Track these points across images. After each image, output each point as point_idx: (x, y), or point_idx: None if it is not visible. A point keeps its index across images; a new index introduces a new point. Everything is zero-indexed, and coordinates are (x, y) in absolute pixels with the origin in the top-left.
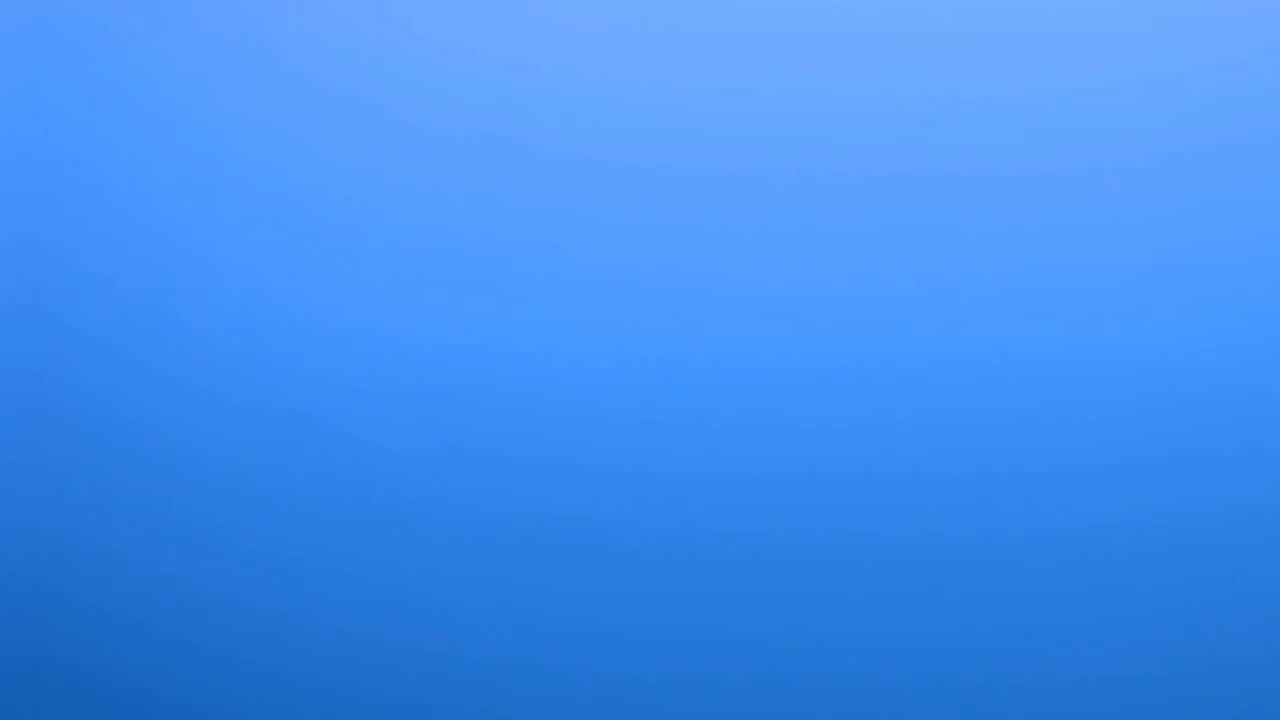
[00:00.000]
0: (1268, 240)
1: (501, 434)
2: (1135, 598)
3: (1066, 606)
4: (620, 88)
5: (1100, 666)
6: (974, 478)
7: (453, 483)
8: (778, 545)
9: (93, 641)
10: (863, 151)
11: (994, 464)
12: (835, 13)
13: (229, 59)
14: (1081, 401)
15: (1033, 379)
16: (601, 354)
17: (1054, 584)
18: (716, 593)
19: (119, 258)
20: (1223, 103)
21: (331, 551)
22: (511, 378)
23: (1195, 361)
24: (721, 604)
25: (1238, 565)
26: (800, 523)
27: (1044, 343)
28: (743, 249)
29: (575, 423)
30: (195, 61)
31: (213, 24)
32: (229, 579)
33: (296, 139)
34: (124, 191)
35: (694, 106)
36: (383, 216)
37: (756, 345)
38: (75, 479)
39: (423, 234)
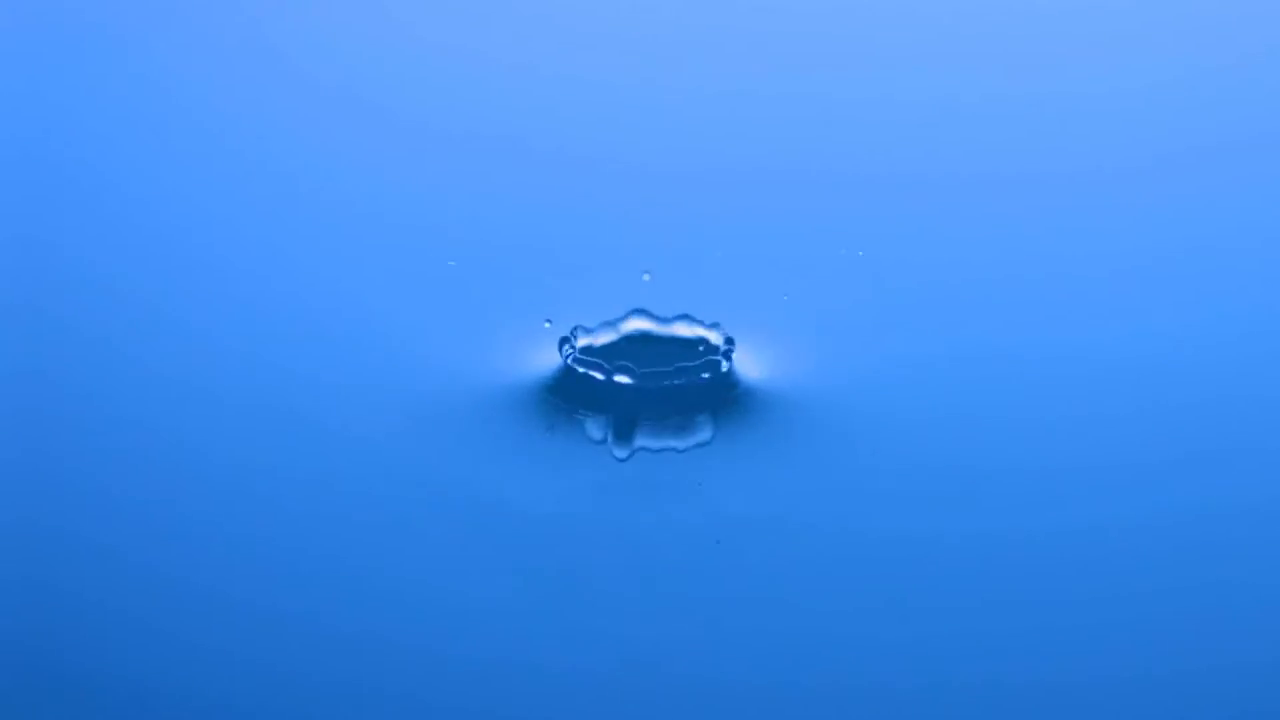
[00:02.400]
0: (1270, 240)
1: (502, 433)
2: (1139, 598)
3: (1071, 606)
4: (620, 88)
5: (1104, 666)
6: (976, 477)
7: (454, 482)
8: (780, 543)
9: (93, 641)
10: (863, 151)
11: (996, 463)
12: (835, 13)
13: (229, 59)
14: (1086, 401)
15: (1036, 379)
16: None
17: (1058, 583)
18: (716, 592)
19: (119, 258)
20: (1226, 103)
21: (332, 551)
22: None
23: (1200, 361)
24: (722, 603)
25: (1244, 565)
26: (802, 521)
27: (1047, 343)
28: (742, 249)
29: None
30: (195, 61)
31: (213, 24)
32: (229, 579)
33: (296, 139)
34: (124, 191)
35: (694, 107)
36: (383, 216)
37: (759, 344)
38: (75, 479)
39: (423, 234)
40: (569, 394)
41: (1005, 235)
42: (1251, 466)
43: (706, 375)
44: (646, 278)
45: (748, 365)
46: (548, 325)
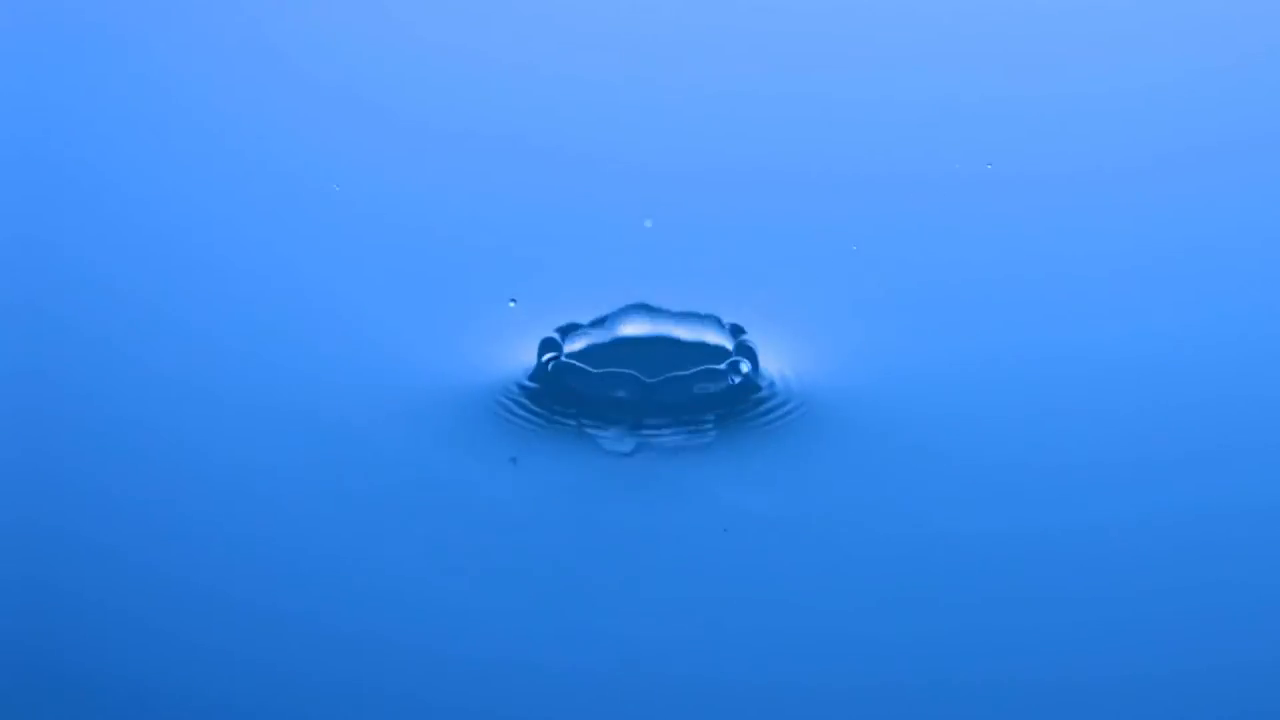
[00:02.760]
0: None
1: (502, 433)
2: (1151, 597)
3: (1090, 603)
4: (620, 88)
5: (1116, 665)
6: (984, 476)
7: (455, 483)
8: (787, 539)
9: (93, 641)
10: (863, 152)
11: (1004, 461)
12: (835, 13)
13: (229, 59)
14: (1097, 399)
15: (1040, 378)
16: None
17: (1069, 582)
18: (720, 592)
19: (119, 258)
20: (1229, 103)
21: (332, 551)
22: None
23: (1209, 360)
24: (726, 603)
25: (1258, 564)
26: (808, 517)
27: (1051, 342)
28: (742, 249)
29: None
30: (195, 61)
31: (213, 24)
32: (229, 579)
33: (297, 139)
34: (124, 191)
35: (694, 106)
36: (382, 216)
37: (761, 345)
38: (75, 479)
39: (422, 233)
40: (567, 392)
41: (1008, 235)
42: (1267, 464)
43: (711, 388)
44: (648, 224)
45: (750, 362)
46: (512, 305)
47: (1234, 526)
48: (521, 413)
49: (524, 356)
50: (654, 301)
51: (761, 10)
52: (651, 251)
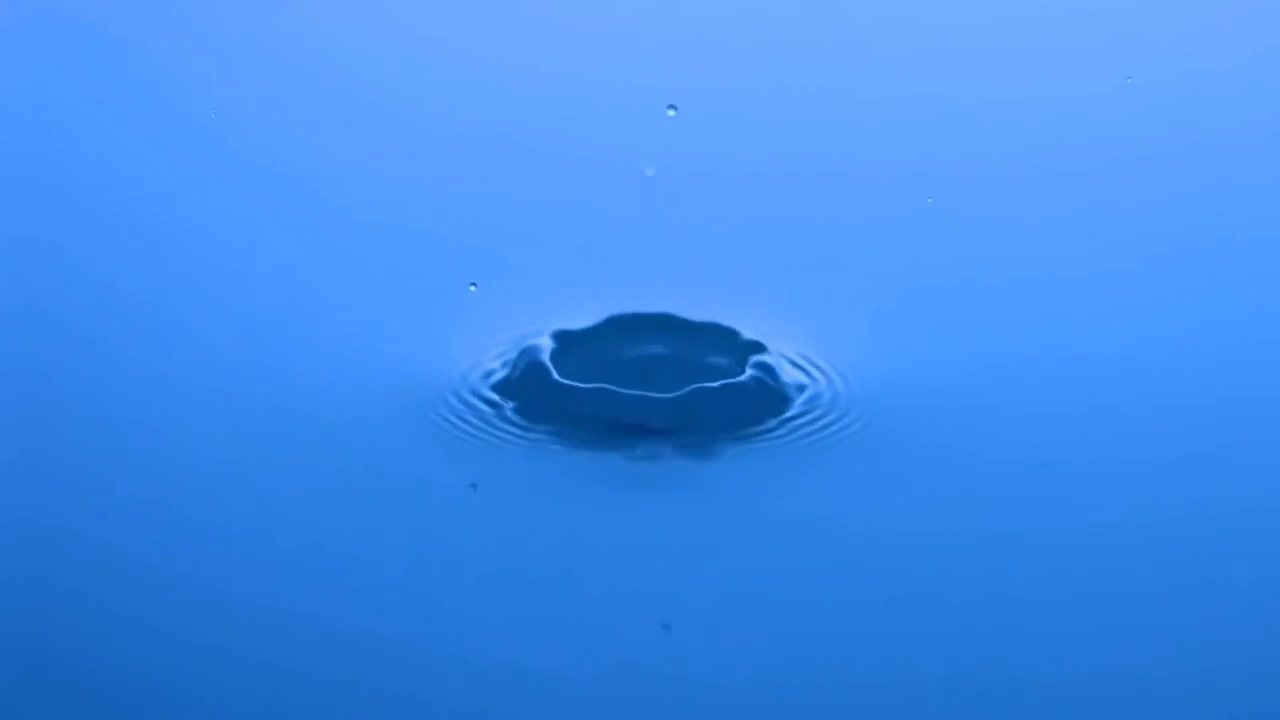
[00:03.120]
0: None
1: (503, 433)
2: (1157, 597)
3: (1089, 604)
4: (620, 88)
5: (1123, 665)
6: (996, 475)
7: (455, 483)
8: (795, 536)
9: (93, 641)
10: (864, 152)
11: (1018, 460)
12: (835, 13)
13: (229, 59)
14: (1112, 399)
15: (1043, 378)
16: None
17: (1088, 582)
18: (724, 589)
19: (119, 258)
20: (1239, 103)
21: (332, 551)
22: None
23: (1214, 360)
24: (730, 600)
25: (1263, 563)
26: (814, 515)
27: (1068, 343)
28: (742, 250)
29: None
30: (195, 61)
31: (213, 24)
32: (229, 579)
33: (296, 139)
34: (124, 191)
35: (695, 107)
36: (382, 216)
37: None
38: (75, 479)
39: (421, 234)
40: (553, 408)
41: (1016, 235)
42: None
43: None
44: (650, 171)
45: (751, 361)
46: (473, 289)
47: (1263, 524)
48: (512, 416)
49: (522, 357)
50: (652, 304)
51: (762, 10)
52: (651, 252)
